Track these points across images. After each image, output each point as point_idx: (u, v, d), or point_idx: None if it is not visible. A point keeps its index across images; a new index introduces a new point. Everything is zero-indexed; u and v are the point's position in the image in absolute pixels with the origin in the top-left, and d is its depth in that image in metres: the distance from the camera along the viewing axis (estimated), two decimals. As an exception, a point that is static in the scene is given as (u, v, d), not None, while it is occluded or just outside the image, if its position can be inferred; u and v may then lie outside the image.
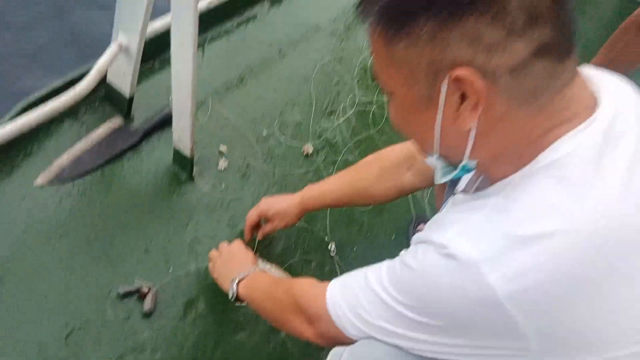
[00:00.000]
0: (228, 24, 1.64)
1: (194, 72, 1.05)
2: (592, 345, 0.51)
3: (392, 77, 0.55)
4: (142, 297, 1.03)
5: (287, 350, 1.07)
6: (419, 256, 0.56)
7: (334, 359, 0.68)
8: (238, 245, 1.06)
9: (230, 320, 1.08)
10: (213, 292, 1.09)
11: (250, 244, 1.14)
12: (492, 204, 0.53)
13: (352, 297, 0.65)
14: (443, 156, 0.59)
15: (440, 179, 0.62)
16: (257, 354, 1.05)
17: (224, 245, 1.08)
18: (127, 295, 1.03)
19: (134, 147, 1.28)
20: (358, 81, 1.65)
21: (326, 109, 1.55)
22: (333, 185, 1.07)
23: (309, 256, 1.24)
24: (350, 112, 1.55)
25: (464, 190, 0.64)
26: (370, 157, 1.06)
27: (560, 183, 0.50)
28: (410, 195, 1.44)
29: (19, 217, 1.09)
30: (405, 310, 0.58)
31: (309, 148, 1.43)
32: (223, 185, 1.29)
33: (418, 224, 1.36)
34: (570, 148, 0.50)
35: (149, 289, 1.04)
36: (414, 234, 0.70)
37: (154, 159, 1.28)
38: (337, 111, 1.55)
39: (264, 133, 1.43)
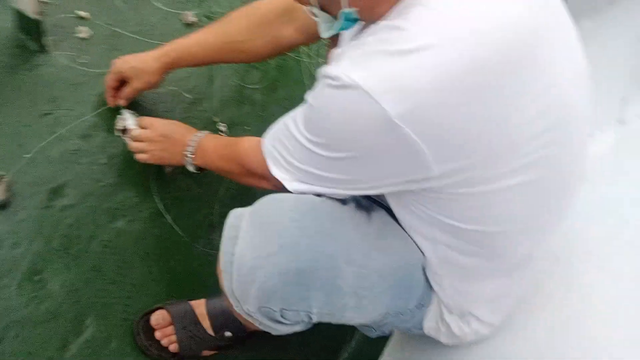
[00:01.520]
0: None
1: None
2: (487, 160, 0.53)
3: None
4: (-9, 187, 0.87)
5: (174, 233, 1.00)
6: (318, 93, 0.57)
7: (234, 222, 0.65)
8: (161, 122, 0.95)
9: (106, 207, 0.96)
10: (84, 178, 0.96)
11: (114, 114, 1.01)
12: (376, 36, 0.54)
13: (283, 147, 0.65)
14: (322, 6, 0.60)
15: (325, 32, 0.62)
16: (142, 239, 0.96)
17: (147, 126, 0.94)
18: (-30, 186, 0.86)
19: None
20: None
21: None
22: (201, 39, 0.95)
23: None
24: (237, -25, 1.36)
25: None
26: (243, 9, 0.95)
27: (434, 9, 0.51)
28: (304, 71, 1.35)
29: None
30: (316, 148, 0.59)
31: (190, 16, 1.25)
32: (87, 58, 1.09)
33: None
34: None
35: (0, 178, 0.88)
36: None
37: (-11, 24, 1.03)
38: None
39: (137, -4, 1.21)
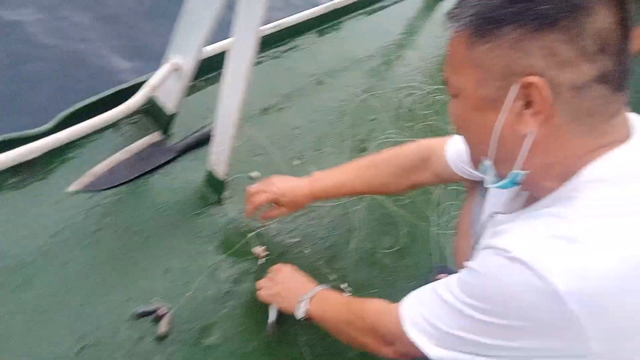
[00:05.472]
0: (272, 51, 1.66)
1: (243, 99, 1.07)
2: None
3: (465, 76, 0.60)
4: (158, 318, 1.03)
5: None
6: (486, 261, 0.59)
7: None
8: (289, 268, 1.08)
9: (241, 352, 1.06)
10: (229, 320, 1.09)
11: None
12: (548, 213, 0.57)
13: (428, 311, 0.68)
14: (495, 163, 0.64)
15: (490, 183, 0.67)
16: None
17: (276, 269, 1.09)
18: (143, 315, 1.03)
19: (169, 163, 1.30)
20: (394, 120, 1.65)
21: (359, 144, 1.55)
22: (349, 178, 1.08)
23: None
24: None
25: (504, 212, 0.69)
26: (386, 155, 1.08)
27: (610, 193, 0.55)
28: (432, 241, 1.42)
29: (50, 221, 1.11)
30: (472, 311, 0.60)
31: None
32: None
33: (438, 273, 1.34)
34: (611, 166, 0.56)
35: (166, 312, 1.04)
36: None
37: (185, 177, 1.30)
38: (370, 148, 1.55)
39: (295, 163, 1.44)
